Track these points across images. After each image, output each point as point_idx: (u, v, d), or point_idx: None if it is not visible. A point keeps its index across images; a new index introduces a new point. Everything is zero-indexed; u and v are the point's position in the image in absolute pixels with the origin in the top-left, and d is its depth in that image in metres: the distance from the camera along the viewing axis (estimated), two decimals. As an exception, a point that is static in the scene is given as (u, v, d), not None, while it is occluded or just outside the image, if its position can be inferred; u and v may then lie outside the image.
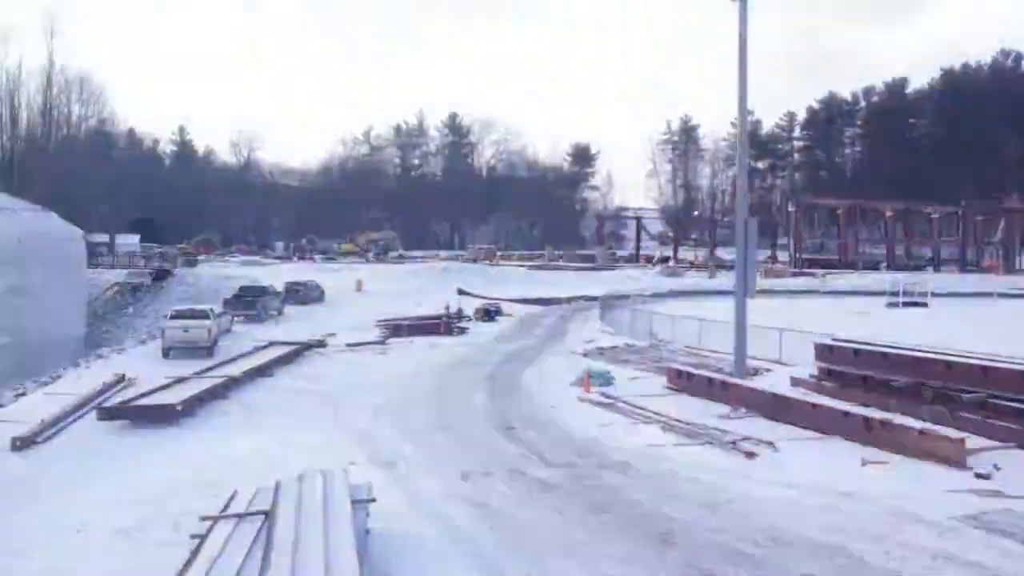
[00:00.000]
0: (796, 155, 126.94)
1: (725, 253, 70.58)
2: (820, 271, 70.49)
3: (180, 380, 17.48)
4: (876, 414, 12.54)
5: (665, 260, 77.79)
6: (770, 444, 12.29)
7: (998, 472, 10.36)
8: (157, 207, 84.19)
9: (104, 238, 71.36)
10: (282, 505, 7.64)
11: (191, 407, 15.35)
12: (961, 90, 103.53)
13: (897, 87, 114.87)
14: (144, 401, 15.56)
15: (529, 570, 7.73)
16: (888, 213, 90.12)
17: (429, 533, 8.83)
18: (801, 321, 22.31)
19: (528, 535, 8.74)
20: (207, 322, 24.40)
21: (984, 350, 14.05)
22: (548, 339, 30.16)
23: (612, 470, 11.35)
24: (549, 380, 19.84)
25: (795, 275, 66.54)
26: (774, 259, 78.65)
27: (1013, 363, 12.71)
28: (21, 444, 13.49)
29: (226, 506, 8.70)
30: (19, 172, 65.08)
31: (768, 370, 19.17)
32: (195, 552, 6.87)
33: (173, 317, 25.09)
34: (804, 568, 7.55)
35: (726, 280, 42.52)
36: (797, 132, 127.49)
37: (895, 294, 45.25)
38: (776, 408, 14.22)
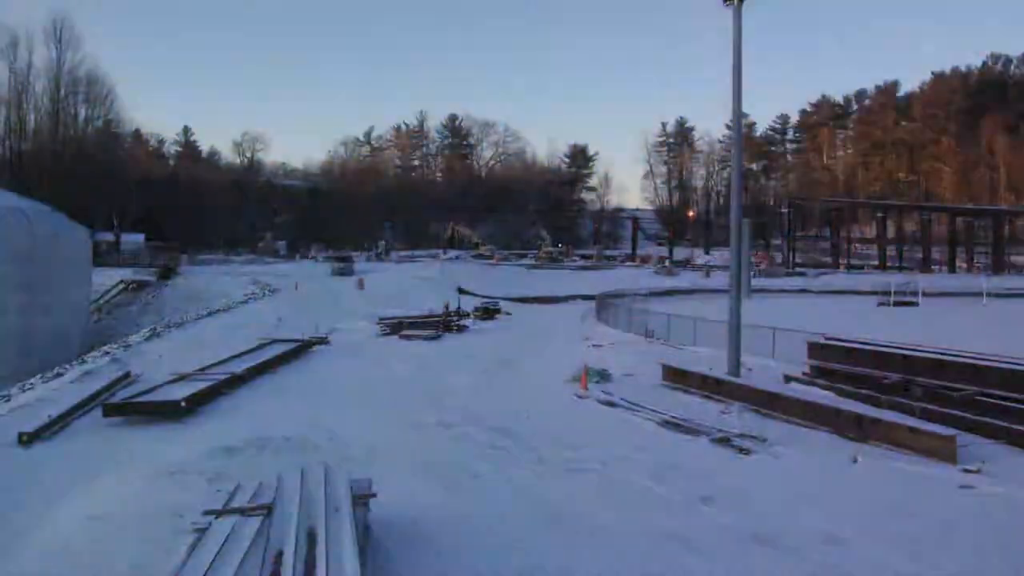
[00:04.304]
0: (789, 157, 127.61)
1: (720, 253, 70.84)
2: (812, 270, 71.01)
3: (183, 377, 17.58)
4: (868, 411, 12.79)
5: (663, 260, 78.29)
6: (763, 440, 12.56)
7: (987, 468, 10.61)
8: (162, 206, 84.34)
9: (110, 236, 71.38)
10: (284, 500, 7.69)
11: (196, 404, 15.48)
12: (951, 93, 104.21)
13: (888, 90, 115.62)
14: (149, 397, 15.68)
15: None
16: (879, 214, 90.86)
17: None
18: (793, 320, 22.60)
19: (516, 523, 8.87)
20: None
21: (975, 348, 14.35)
22: (546, 337, 30.36)
23: (609, 465, 11.56)
24: (546, 376, 19.99)
25: (788, 275, 67.05)
26: (771, 261, 79.03)
27: (1002, 361, 13.02)
28: (27, 439, 13.58)
29: (229, 500, 8.83)
30: (27, 172, 65.09)
31: (762, 367, 19.42)
32: (196, 545, 6.93)
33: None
34: (798, 561, 7.76)
35: (721, 279, 42.74)
36: (790, 134, 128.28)
37: (886, 293, 45.77)
38: (769, 405, 14.48)
